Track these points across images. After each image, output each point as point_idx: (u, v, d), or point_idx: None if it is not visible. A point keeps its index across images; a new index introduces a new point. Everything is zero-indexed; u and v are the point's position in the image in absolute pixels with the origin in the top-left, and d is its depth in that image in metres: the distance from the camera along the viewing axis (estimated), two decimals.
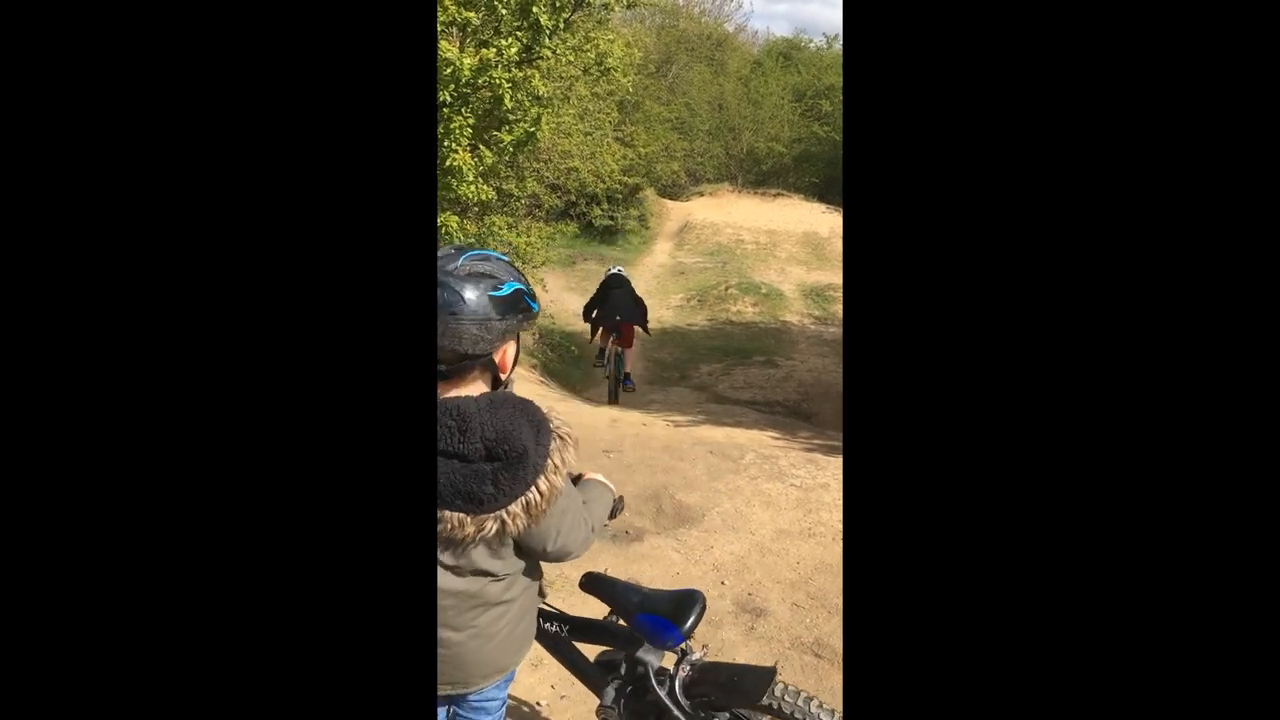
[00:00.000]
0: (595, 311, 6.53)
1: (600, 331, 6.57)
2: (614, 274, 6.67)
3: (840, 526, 3.30)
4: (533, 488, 1.04)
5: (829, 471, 3.94)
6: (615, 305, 6.39)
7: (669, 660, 1.50)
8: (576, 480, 1.41)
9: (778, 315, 11.27)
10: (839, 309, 11.55)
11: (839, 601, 2.70)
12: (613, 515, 1.40)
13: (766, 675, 1.36)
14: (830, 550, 3.10)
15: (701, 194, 17.55)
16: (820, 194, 18.25)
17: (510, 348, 1.13)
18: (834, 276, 13.20)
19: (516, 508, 1.04)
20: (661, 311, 11.45)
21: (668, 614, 1.39)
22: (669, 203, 16.96)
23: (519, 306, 1.09)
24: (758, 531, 3.27)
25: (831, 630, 2.53)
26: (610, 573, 2.23)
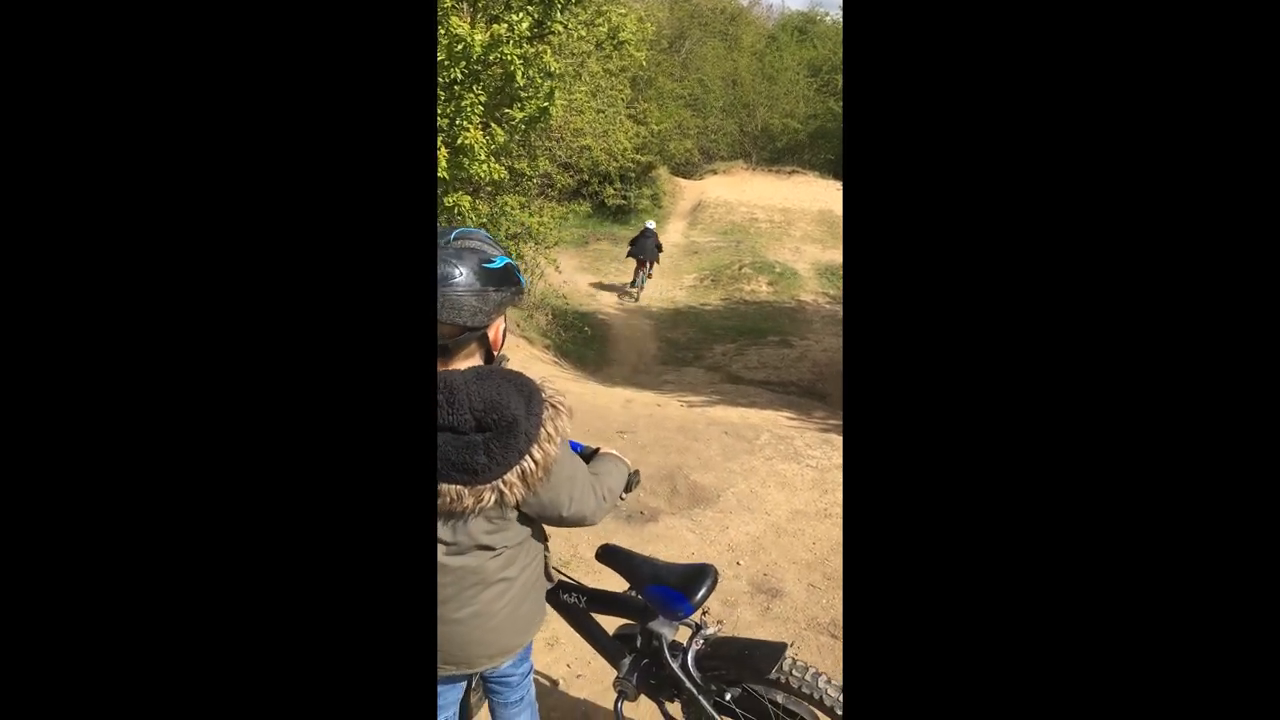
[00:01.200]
0: (631, 249, 11.12)
1: (635, 263, 11.13)
2: (648, 228, 11.16)
3: None
4: (527, 456, 1.05)
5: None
6: (644, 248, 10.89)
7: (684, 634, 1.51)
8: (592, 455, 1.42)
9: (792, 294, 11.18)
10: None
11: None
12: (629, 488, 1.42)
13: (777, 650, 1.38)
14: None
15: (715, 172, 17.38)
16: (836, 171, 18.00)
17: (501, 322, 1.14)
18: None
19: (513, 476, 1.05)
20: (675, 292, 11.39)
21: (678, 586, 1.41)
22: (682, 181, 16.81)
23: (510, 279, 1.10)
24: (773, 512, 3.26)
25: (840, 610, 2.53)
26: None
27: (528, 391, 1.08)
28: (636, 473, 1.46)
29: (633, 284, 11.16)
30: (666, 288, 11.69)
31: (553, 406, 1.09)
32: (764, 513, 3.26)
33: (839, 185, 16.80)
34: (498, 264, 1.08)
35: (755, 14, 21.83)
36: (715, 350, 8.77)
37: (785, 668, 1.37)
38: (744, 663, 1.39)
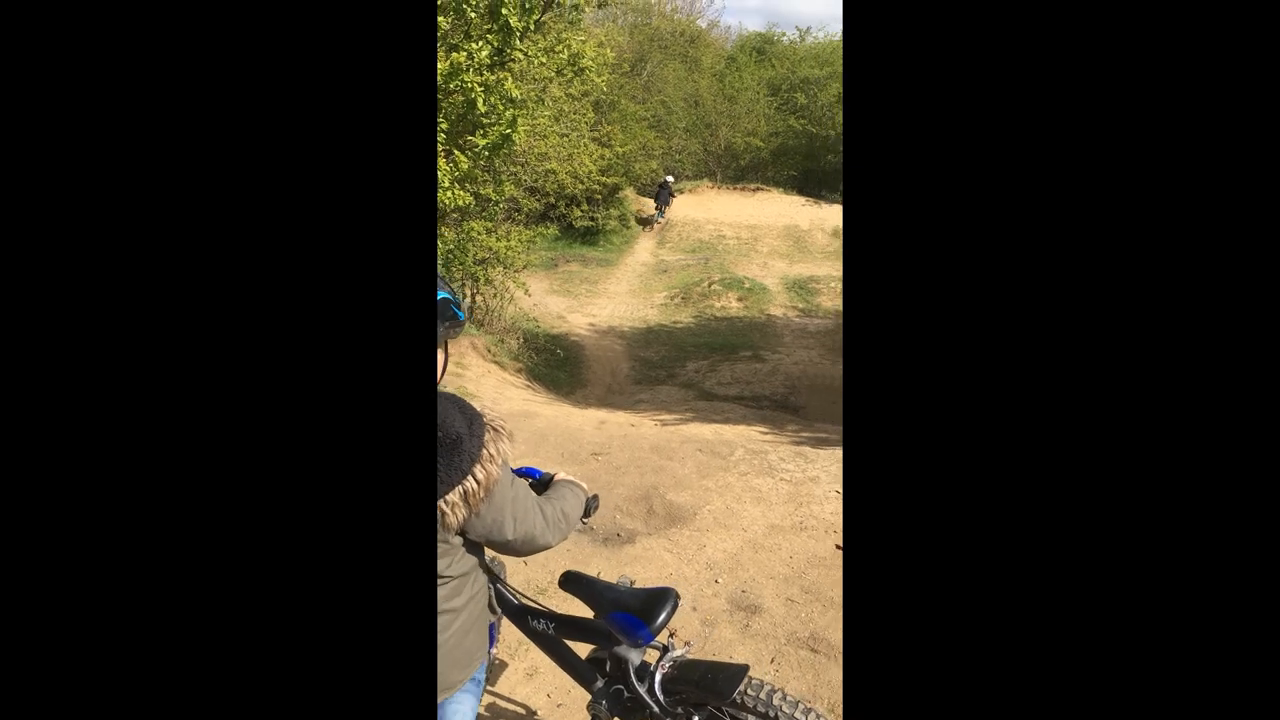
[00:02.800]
0: (656, 195, 16.08)
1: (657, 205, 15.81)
2: (667, 180, 16.19)
3: (832, 519, 3.30)
4: (469, 476, 1.05)
5: (819, 464, 3.94)
6: (662, 197, 15.92)
7: (653, 656, 1.52)
8: (548, 483, 1.43)
9: (762, 309, 11.29)
10: (822, 300, 11.59)
11: (833, 595, 2.70)
12: (587, 513, 1.42)
13: (739, 673, 1.39)
14: (823, 544, 3.10)
15: (681, 191, 17.56)
16: (799, 187, 18.31)
17: (441, 355, 1.15)
18: (816, 268, 13.24)
19: (455, 496, 1.05)
20: (646, 310, 11.43)
21: (638, 612, 1.43)
22: (649, 201, 16.96)
23: (446, 314, 1.11)
24: (750, 528, 3.26)
25: (826, 624, 2.53)
26: (603, 576, 2.21)
27: (470, 413, 1.09)
28: (595, 497, 1.47)
29: (659, 216, 16.10)
30: (638, 307, 11.72)
31: (494, 429, 1.11)
32: (740, 529, 3.26)
33: (802, 201, 17.08)
34: (436, 298, 1.09)
35: (714, 36, 22.24)
36: (688, 367, 8.80)
37: (749, 690, 1.38)
38: (708, 685, 1.40)
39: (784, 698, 1.38)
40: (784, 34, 21.71)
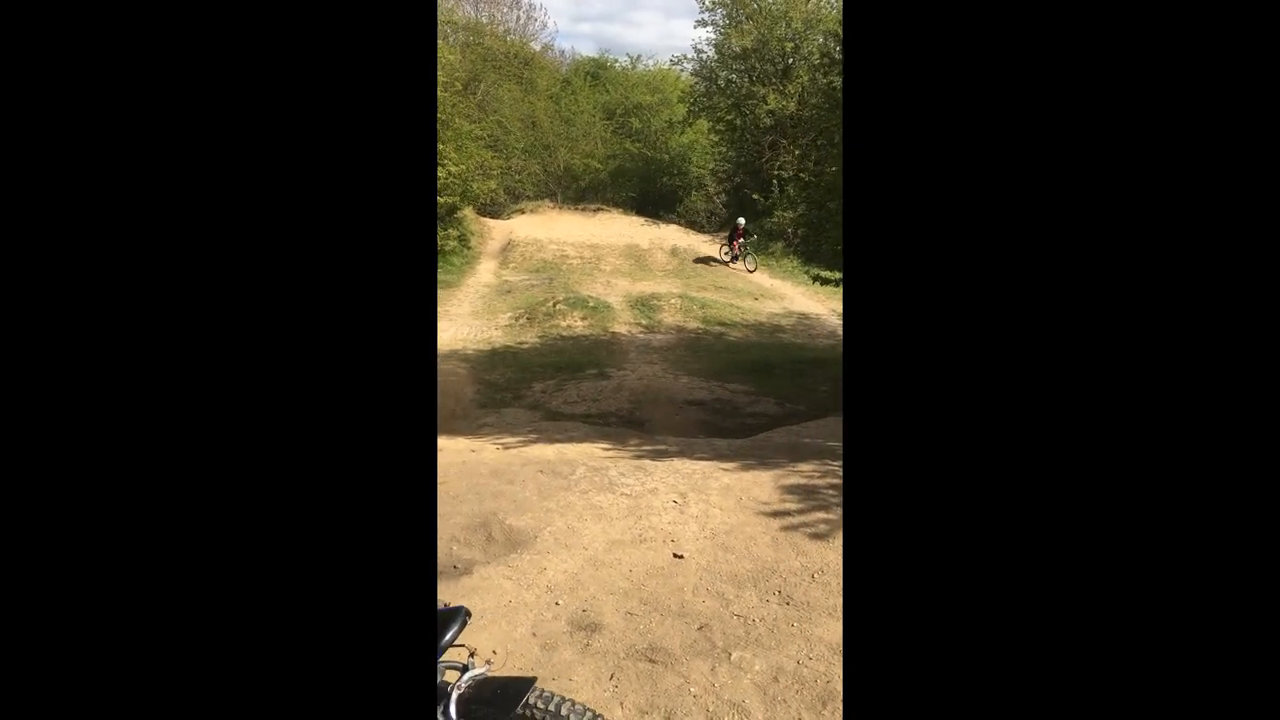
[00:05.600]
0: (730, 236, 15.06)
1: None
2: (739, 221, 14.96)
3: (670, 529, 3.39)
4: None
5: (657, 476, 4.04)
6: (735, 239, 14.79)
7: (454, 676, 1.53)
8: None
9: (606, 327, 11.45)
10: (664, 317, 11.97)
11: (670, 603, 2.76)
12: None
13: (526, 685, 1.48)
14: (660, 554, 3.17)
15: (523, 211, 17.48)
16: (638, 207, 18.88)
17: None
18: (657, 286, 13.68)
19: None
20: (491, 332, 11.18)
21: None
22: (490, 221, 16.68)
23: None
24: (590, 545, 3.26)
25: (664, 633, 2.58)
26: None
27: None
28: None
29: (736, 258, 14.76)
30: (481, 328, 11.45)
31: None
32: (581, 547, 3.25)
33: (642, 221, 17.62)
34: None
35: (548, 59, 22.46)
36: (534, 388, 8.70)
37: (537, 701, 1.47)
38: (496, 701, 1.46)
39: (571, 706, 1.47)
40: (617, 60, 22.42)
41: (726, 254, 14.89)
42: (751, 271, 14.26)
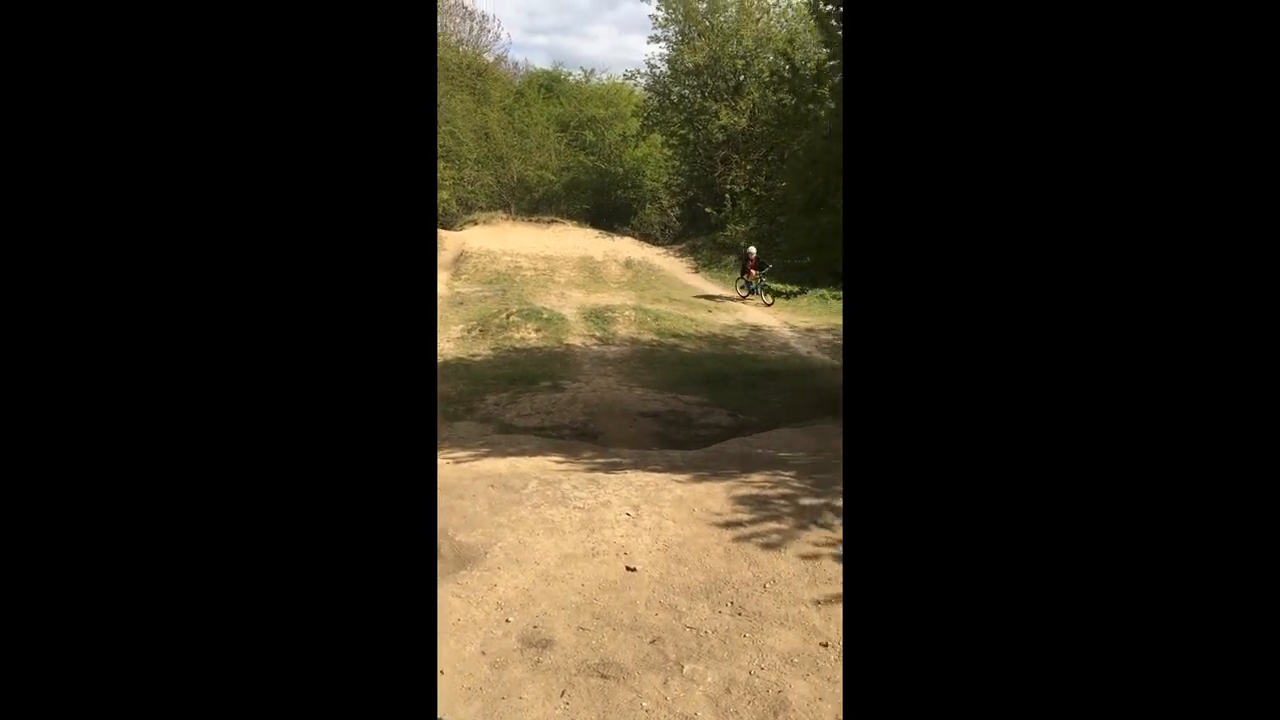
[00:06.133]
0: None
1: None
2: (749, 251, 12.71)
3: (623, 542, 3.36)
4: None
5: (610, 489, 4.01)
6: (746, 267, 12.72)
7: None
8: None
9: (560, 339, 11.38)
10: (618, 329, 11.98)
11: (624, 617, 2.74)
12: None
13: None
14: (614, 567, 3.14)
15: (476, 222, 17.30)
16: (592, 220, 18.90)
17: None
18: (612, 298, 13.69)
19: None
20: (443, 344, 10.99)
21: None
22: (444, 232, 16.45)
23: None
24: (542, 560, 3.22)
25: (617, 648, 2.55)
26: None
27: None
28: None
29: (752, 291, 12.84)
30: None
31: None
32: (533, 562, 3.20)
33: (596, 233, 17.64)
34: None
35: (502, 70, 22.38)
36: (488, 401, 8.58)
37: None
38: None
39: None
40: (571, 73, 22.47)
41: (742, 287, 12.96)
42: (768, 305, 12.28)
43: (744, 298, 12.85)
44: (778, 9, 15.83)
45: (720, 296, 13.30)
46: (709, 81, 16.41)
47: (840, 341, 10.31)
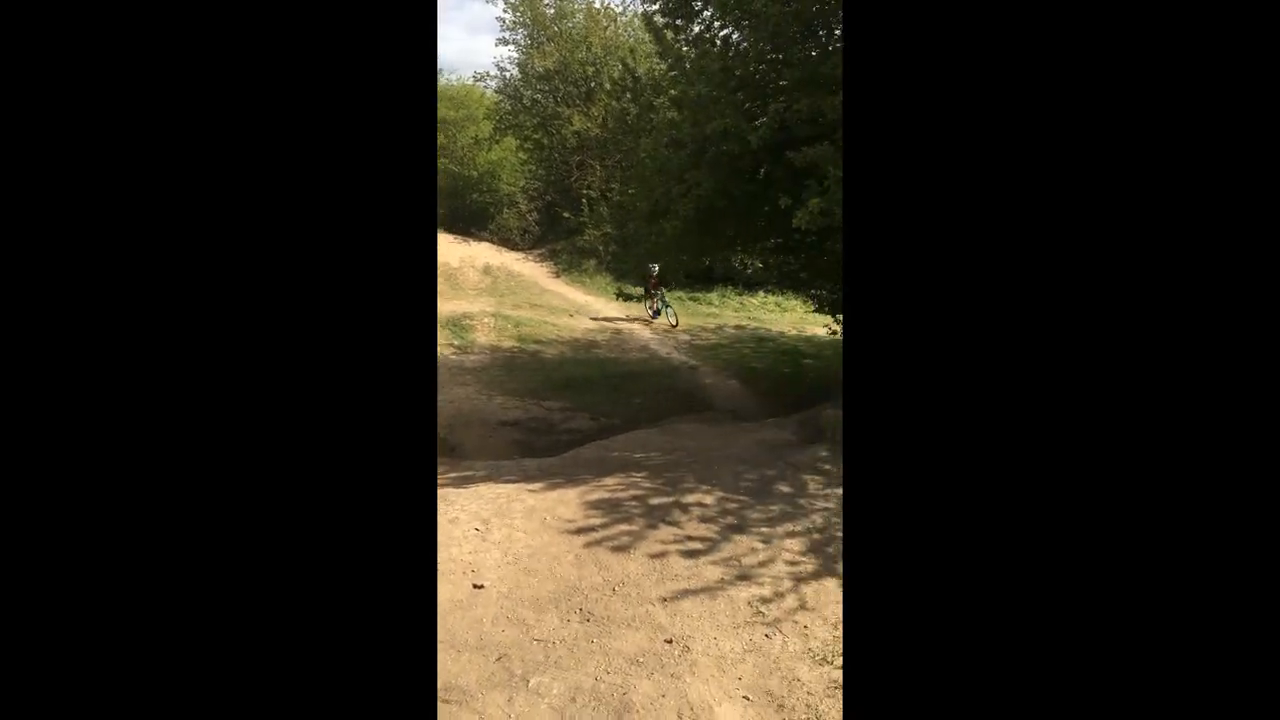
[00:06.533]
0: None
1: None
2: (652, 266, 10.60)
3: (470, 559, 3.28)
4: None
5: (459, 505, 3.91)
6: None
7: None
8: None
9: None
10: (477, 336, 11.69)
11: (469, 637, 2.68)
12: None
13: None
14: (460, 586, 3.06)
15: None
16: (447, 225, 18.30)
17: None
18: (470, 305, 13.33)
19: None
20: None
21: None
22: None
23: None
24: None
25: (459, 670, 2.49)
26: None
27: None
28: None
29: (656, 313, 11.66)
30: None
31: None
32: None
33: (451, 238, 17.09)
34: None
35: None
36: None
37: None
38: None
39: None
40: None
41: (650, 309, 11.97)
42: (674, 326, 11.23)
43: (653, 318, 11.82)
44: (624, 18, 16.15)
45: (618, 318, 12.17)
46: (560, 86, 16.42)
47: (698, 342, 10.71)
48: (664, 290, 11.62)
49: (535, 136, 16.94)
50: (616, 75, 10.98)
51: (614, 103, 10.15)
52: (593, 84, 15.99)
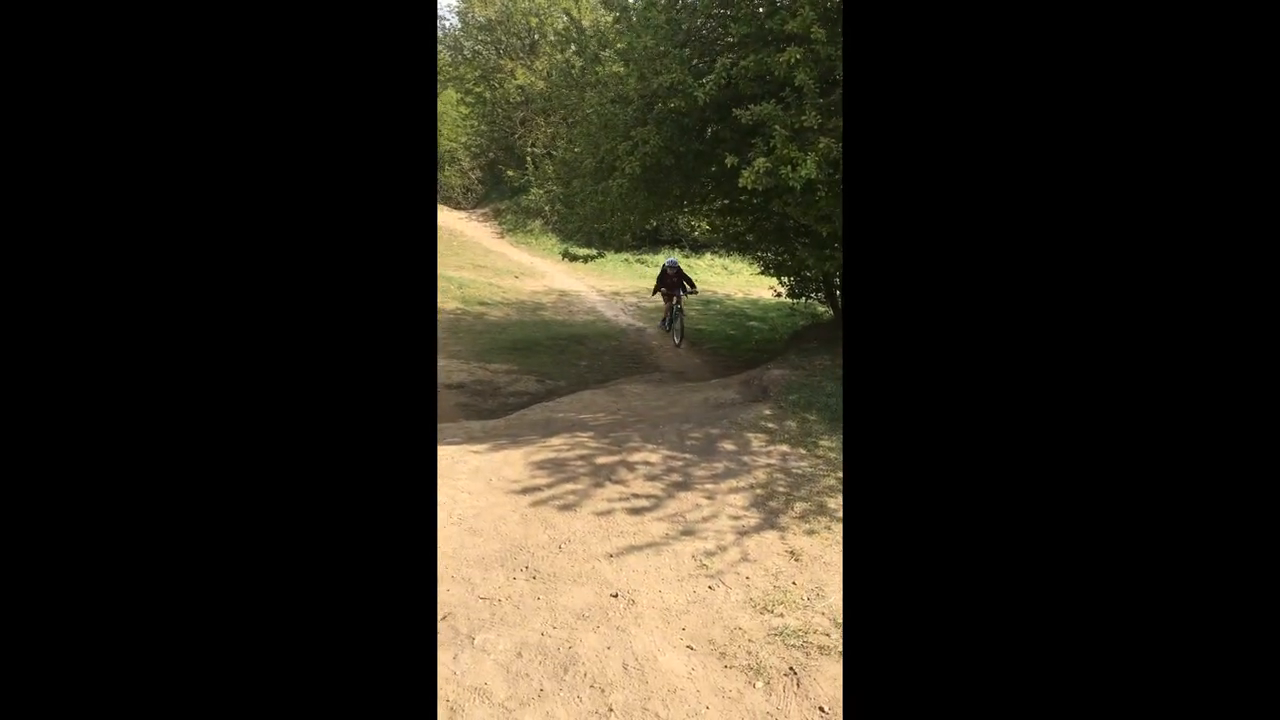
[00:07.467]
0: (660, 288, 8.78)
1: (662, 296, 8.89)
2: (671, 261, 8.66)
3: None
4: None
5: None
6: (669, 283, 8.56)
7: None
8: None
9: None
10: None
11: None
12: None
13: None
14: None
15: None
16: None
17: None
18: None
19: None
20: None
21: None
22: None
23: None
24: None
25: None
26: None
27: None
28: None
29: (668, 325, 8.88)
30: None
31: None
32: None
33: None
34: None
35: None
36: None
37: None
38: None
39: None
40: None
41: (664, 322, 9.18)
42: (677, 346, 8.66)
43: (663, 328, 9.17)
44: None
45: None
46: (503, 38, 15.84)
47: (645, 304, 10.68)
48: (684, 293, 8.45)
49: (477, 90, 16.37)
50: (561, 26, 10.62)
51: (558, 55, 9.84)
52: (536, 35, 15.47)
